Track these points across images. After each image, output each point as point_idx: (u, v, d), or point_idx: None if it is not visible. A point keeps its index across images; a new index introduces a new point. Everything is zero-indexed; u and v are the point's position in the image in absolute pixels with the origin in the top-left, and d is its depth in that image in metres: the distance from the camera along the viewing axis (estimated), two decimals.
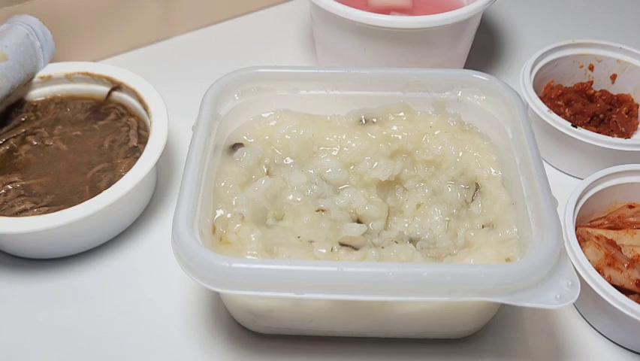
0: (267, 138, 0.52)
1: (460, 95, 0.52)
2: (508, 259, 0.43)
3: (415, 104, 0.53)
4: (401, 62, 0.65)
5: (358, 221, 0.49)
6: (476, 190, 0.49)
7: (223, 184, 0.47)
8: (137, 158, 0.54)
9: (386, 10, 0.69)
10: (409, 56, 0.65)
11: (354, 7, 0.62)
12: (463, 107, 0.52)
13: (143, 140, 0.59)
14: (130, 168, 0.53)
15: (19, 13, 0.64)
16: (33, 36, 0.62)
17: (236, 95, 0.52)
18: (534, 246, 0.41)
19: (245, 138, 0.52)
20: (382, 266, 0.39)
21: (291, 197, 0.50)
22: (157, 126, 0.57)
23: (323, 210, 0.49)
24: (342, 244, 0.45)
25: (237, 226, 0.45)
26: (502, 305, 0.48)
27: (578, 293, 0.38)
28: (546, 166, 0.44)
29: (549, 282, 0.38)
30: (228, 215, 0.46)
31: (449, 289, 0.38)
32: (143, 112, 0.60)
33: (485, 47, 0.80)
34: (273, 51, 0.76)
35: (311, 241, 0.46)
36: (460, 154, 0.51)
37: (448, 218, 0.50)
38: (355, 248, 0.45)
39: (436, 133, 0.52)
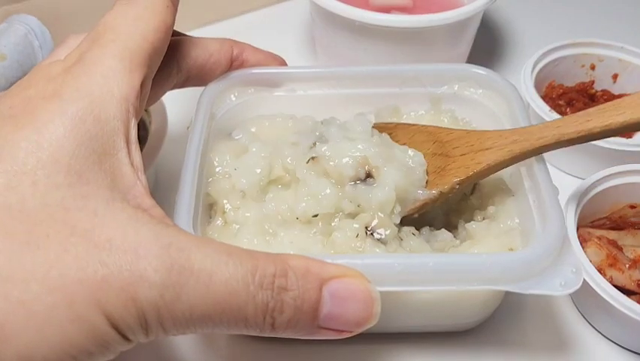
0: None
1: (456, 89, 0.52)
2: (511, 249, 0.43)
3: (411, 100, 0.53)
4: (402, 62, 0.65)
5: (368, 175, 0.45)
6: (476, 183, 0.49)
7: (216, 160, 0.47)
8: None
9: (387, 9, 0.68)
10: (409, 55, 0.65)
11: (354, 6, 0.62)
12: (460, 102, 0.52)
13: (142, 140, 0.58)
14: None
15: (17, 12, 0.64)
16: (32, 35, 0.61)
17: (232, 96, 0.51)
18: (537, 234, 0.41)
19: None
20: (388, 257, 0.39)
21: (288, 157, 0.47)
22: (156, 126, 0.56)
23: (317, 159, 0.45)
24: (368, 233, 0.44)
25: (235, 207, 0.45)
26: (507, 297, 0.48)
27: (582, 279, 0.38)
28: (547, 166, 0.44)
29: (553, 269, 0.38)
30: (225, 203, 0.45)
31: (455, 278, 0.38)
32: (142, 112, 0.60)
33: (486, 47, 0.80)
34: (273, 51, 0.76)
35: (315, 216, 0.44)
36: None
37: (448, 211, 0.49)
38: (383, 243, 0.44)
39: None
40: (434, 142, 0.46)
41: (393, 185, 0.43)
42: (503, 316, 0.50)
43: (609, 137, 0.42)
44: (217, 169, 0.47)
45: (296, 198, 0.45)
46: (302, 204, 0.44)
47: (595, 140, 0.42)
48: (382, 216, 0.43)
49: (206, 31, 0.80)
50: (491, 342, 0.49)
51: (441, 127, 0.48)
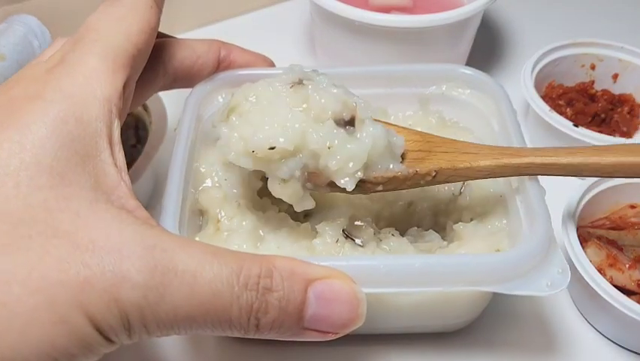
0: None
1: (444, 89, 0.52)
2: (498, 250, 0.43)
3: (399, 101, 0.52)
4: (401, 62, 0.65)
5: (351, 122, 0.41)
6: (464, 183, 0.49)
7: (205, 168, 0.46)
8: (136, 158, 0.54)
9: (386, 9, 0.68)
10: (409, 55, 0.65)
11: (354, 6, 0.62)
12: (448, 102, 0.52)
13: (141, 140, 0.58)
14: (128, 168, 0.53)
15: (17, 12, 0.64)
16: (31, 35, 0.61)
17: (220, 98, 0.51)
18: (524, 235, 0.41)
19: None
20: (374, 259, 0.39)
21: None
22: (156, 126, 0.56)
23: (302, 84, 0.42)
24: (347, 236, 0.44)
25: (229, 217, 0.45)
26: (494, 298, 0.48)
27: (568, 280, 0.38)
28: None
29: (540, 270, 0.38)
30: (220, 211, 0.45)
31: (441, 280, 0.38)
32: (142, 111, 0.60)
33: (486, 47, 0.80)
34: (273, 51, 0.76)
35: (272, 148, 0.40)
36: None
37: (437, 212, 0.49)
38: (361, 245, 0.44)
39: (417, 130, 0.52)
40: (417, 141, 0.45)
41: (371, 143, 0.40)
42: (496, 316, 0.50)
43: (597, 176, 0.42)
44: (207, 180, 0.46)
45: (257, 127, 0.40)
46: (260, 135, 0.39)
47: (581, 175, 0.42)
48: (344, 168, 0.40)
49: (207, 32, 0.80)
50: (483, 343, 0.49)
51: (426, 132, 0.47)
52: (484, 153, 0.43)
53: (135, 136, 0.59)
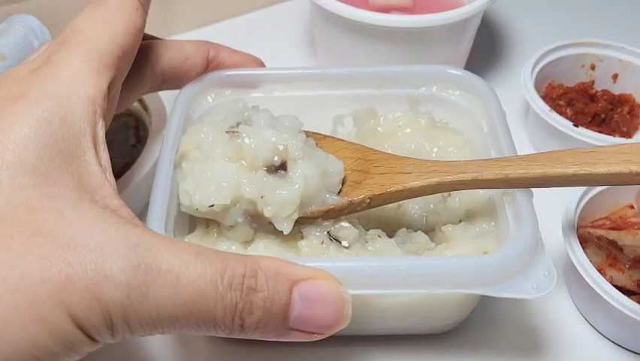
0: None
1: (434, 90, 0.52)
2: (485, 252, 0.43)
3: (390, 102, 0.53)
4: (402, 62, 0.65)
5: (282, 166, 0.43)
6: None
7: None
8: (136, 158, 0.54)
9: (386, 9, 0.68)
10: (409, 55, 0.65)
11: (354, 6, 0.62)
12: (438, 103, 0.52)
13: (141, 140, 0.58)
14: (128, 169, 0.53)
15: (17, 12, 0.64)
16: (32, 35, 0.61)
17: (209, 98, 0.50)
18: (511, 238, 0.41)
19: None
20: (359, 260, 0.39)
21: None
22: (156, 126, 0.56)
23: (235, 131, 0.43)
24: (332, 238, 0.44)
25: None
26: (485, 300, 0.48)
27: (554, 283, 0.38)
28: None
29: (526, 273, 0.38)
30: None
31: (427, 282, 0.38)
32: (142, 111, 0.60)
33: (486, 47, 0.80)
34: (273, 51, 0.76)
35: (211, 206, 0.42)
36: (435, 150, 0.51)
37: (425, 213, 0.49)
38: (346, 247, 0.44)
39: (407, 131, 0.52)
40: (357, 159, 0.46)
41: (302, 184, 0.42)
42: (487, 317, 0.50)
43: (527, 187, 0.42)
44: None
45: (197, 182, 0.42)
46: (198, 194, 0.42)
47: (514, 187, 0.42)
48: (280, 213, 0.42)
49: (206, 31, 0.80)
50: (471, 345, 0.48)
51: (367, 147, 0.47)
52: (418, 171, 0.43)
53: (135, 136, 0.59)
